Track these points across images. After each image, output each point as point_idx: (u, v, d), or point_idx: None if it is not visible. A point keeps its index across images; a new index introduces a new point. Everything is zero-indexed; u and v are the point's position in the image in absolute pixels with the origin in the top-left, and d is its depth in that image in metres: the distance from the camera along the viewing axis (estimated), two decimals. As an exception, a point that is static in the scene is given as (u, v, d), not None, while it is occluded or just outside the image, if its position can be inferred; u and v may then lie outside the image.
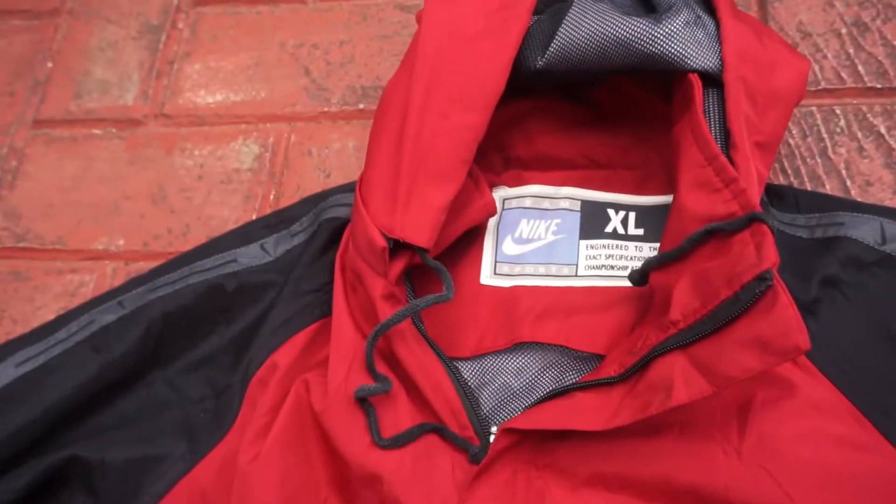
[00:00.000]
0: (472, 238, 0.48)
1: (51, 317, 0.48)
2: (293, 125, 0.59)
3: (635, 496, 0.37)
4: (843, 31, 0.52)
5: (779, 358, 0.32)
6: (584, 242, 0.47)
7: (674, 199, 0.39)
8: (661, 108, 0.46)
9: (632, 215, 0.47)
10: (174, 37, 0.65)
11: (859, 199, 0.47)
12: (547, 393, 0.40)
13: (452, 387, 0.39)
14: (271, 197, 0.57)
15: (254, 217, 0.56)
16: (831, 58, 0.52)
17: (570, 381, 0.43)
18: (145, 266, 0.51)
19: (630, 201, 0.48)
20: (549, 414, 0.38)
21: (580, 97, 0.49)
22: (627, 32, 0.39)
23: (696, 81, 0.39)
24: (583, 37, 0.40)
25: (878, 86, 0.50)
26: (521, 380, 0.44)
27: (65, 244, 0.58)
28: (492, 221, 0.48)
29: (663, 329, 0.36)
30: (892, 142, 0.49)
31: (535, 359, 0.44)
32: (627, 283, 0.42)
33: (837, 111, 0.50)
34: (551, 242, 0.48)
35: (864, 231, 0.41)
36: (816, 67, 0.52)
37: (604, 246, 0.47)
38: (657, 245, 0.46)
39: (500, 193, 0.50)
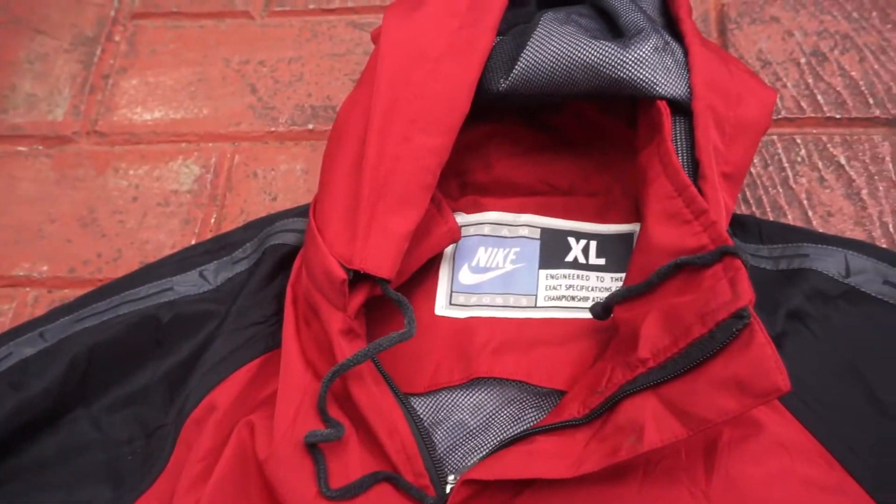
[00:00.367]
0: (427, 266, 0.46)
1: (-38, 350, 0.46)
2: (237, 145, 0.58)
3: (602, 545, 0.36)
4: (803, 60, 0.53)
5: (757, 399, 0.31)
6: (543, 272, 0.47)
7: (640, 230, 0.39)
8: (625, 134, 0.46)
9: (593, 244, 0.47)
10: (110, 50, 0.63)
11: (821, 230, 0.47)
12: (507, 438, 0.39)
13: (409, 430, 0.38)
14: (212, 221, 0.55)
15: (193, 242, 0.54)
16: (791, 87, 0.52)
17: (530, 419, 0.42)
18: (71, 294, 0.50)
19: (591, 229, 0.47)
20: (509, 462, 0.36)
21: (540, 122, 0.49)
22: (595, 56, 0.39)
23: (664, 109, 0.39)
24: (548, 59, 0.39)
25: (838, 116, 0.51)
26: (478, 417, 0.43)
27: (-18, 269, 0.55)
28: (448, 249, 0.48)
29: (631, 368, 0.35)
30: (851, 172, 0.49)
31: (492, 395, 0.43)
32: (588, 315, 0.41)
33: (798, 140, 0.51)
34: (510, 272, 0.47)
35: (829, 263, 0.41)
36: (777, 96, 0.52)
37: (564, 276, 0.46)
38: (619, 275, 0.46)
39: (457, 220, 0.48)
